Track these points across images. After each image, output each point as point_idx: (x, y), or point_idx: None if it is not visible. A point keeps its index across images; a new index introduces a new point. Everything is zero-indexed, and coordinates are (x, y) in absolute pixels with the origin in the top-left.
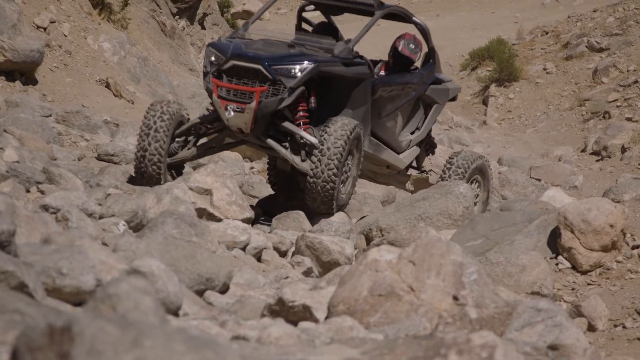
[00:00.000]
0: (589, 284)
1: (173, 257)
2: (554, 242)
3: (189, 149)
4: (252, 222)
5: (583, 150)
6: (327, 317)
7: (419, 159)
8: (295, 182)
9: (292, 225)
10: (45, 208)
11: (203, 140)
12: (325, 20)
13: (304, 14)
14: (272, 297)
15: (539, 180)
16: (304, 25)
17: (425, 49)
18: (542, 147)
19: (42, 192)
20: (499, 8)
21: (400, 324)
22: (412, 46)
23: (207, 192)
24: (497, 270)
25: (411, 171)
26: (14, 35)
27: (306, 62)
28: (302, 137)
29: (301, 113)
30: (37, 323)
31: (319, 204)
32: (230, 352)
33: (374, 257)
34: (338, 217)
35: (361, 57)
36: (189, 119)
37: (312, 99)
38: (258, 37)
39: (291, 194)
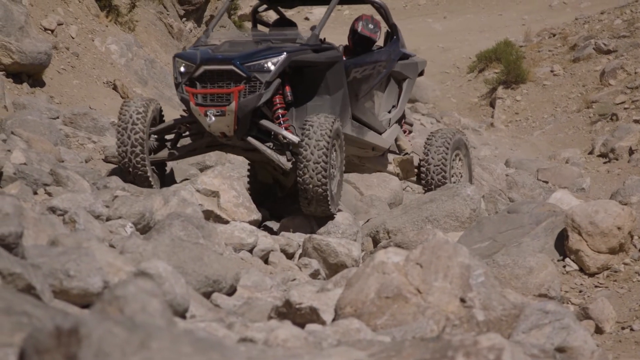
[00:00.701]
0: (596, 286)
1: (180, 259)
2: (562, 245)
3: (169, 149)
4: (260, 224)
5: (590, 153)
6: (334, 319)
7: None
8: (274, 194)
9: (299, 228)
10: (53, 210)
11: (184, 141)
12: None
13: (258, 15)
14: (279, 299)
15: (547, 182)
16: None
17: (387, 27)
18: (550, 149)
19: (49, 194)
20: (506, 10)
21: (408, 326)
22: (371, 26)
23: (215, 194)
24: (504, 273)
25: (392, 155)
26: (22, 37)
27: (278, 54)
28: (284, 137)
29: (280, 110)
30: (45, 325)
31: (315, 208)
32: (237, 354)
33: (381, 259)
34: (345, 219)
35: (327, 42)
36: (162, 113)
37: (288, 92)
38: (222, 41)
39: (273, 206)
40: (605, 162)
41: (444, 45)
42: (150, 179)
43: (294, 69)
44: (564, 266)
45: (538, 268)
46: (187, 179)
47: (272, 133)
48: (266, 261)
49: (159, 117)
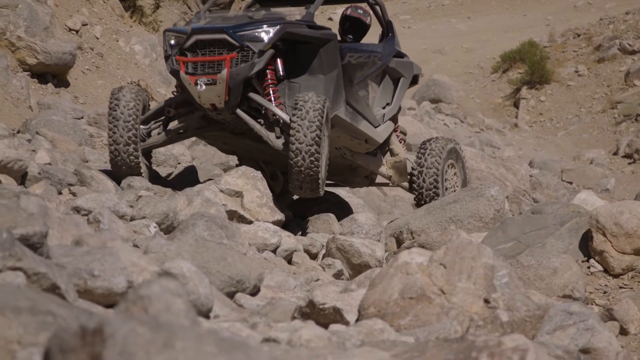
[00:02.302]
0: (621, 287)
1: (204, 259)
2: (586, 245)
3: (159, 134)
4: (283, 224)
5: (615, 153)
6: (357, 320)
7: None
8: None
9: (322, 228)
10: (77, 210)
11: (172, 125)
12: None
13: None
14: (303, 300)
15: (571, 183)
16: None
17: (382, 26)
18: (574, 150)
19: (73, 194)
20: (531, 10)
21: (431, 326)
22: (360, 11)
23: (238, 195)
24: (528, 273)
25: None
26: (47, 37)
27: (272, 25)
28: (274, 114)
29: (272, 86)
30: (69, 325)
31: (306, 190)
32: (261, 354)
33: (404, 260)
34: (368, 219)
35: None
36: (150, 103)
37: (280, 67)
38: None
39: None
40: (630, 163)
41: (467, 46)
42: (142, 168)
43: (288, 45)
44: (589, 267)
45: (562, 269)
46: (210, 179)
47: (263, 109)
48: (290, 261)
49: (147, 106)
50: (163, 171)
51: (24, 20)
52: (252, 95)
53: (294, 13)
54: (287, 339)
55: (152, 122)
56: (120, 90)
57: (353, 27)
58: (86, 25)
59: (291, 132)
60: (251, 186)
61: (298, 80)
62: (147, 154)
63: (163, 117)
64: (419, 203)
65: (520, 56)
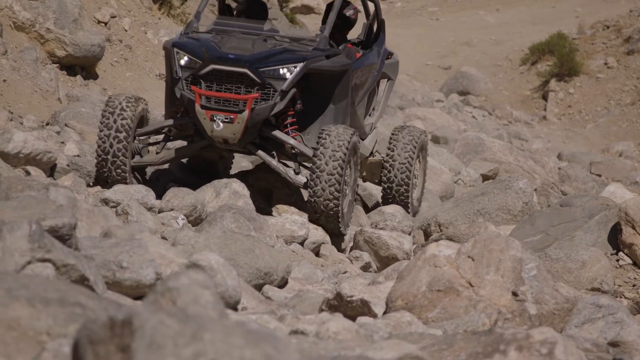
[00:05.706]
0: None
1: (232, 251)
2: (615, 238)
3: (157, 152)
4: None
5: None
6: (385, 312)
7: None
8: (215, 170)
9: (350, 220)
10: (106, 202)
11: (169, 143)
12: None
13: None
14: (331, 292)
15: (600, 175)
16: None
17: (370, 22)
18: (603, 143)
19: (102, 185)
20: (560, 2)
21: (459, 319)
22: (351, 10)
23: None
24: (556, 266)
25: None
26: (75, 29)
27: (295, 61)
28: (293, 147)
29: (289, 119)
30: (98, 316)
31: (324, 222)
32: (289, 347)
33: (432, 253)
34: (397, 212)
35: (330, 42)
36: (148, 112)
37: (298, 101)
38: (211, 28)
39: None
40: None
41: (496, 38)
42: (129, 183)
43: (304, 75)
44: (618, 260)
45: (591, 262)
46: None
47: (277, 142)
48: (317, 254)
49: (146, 116)
50: None
51: (53, 13)
52: (276, 133)
53: (306, 37)
54: (315, 331)
55: (150, 136)
56: (116, 98)
57: (341, 23)
58: (115, 17)
59: (312, 164)
60: (281, 184)
61: (307, 108)
62: (141, 169)
63: (163, 136)
64: (385, 197)
65: (549, 48)
